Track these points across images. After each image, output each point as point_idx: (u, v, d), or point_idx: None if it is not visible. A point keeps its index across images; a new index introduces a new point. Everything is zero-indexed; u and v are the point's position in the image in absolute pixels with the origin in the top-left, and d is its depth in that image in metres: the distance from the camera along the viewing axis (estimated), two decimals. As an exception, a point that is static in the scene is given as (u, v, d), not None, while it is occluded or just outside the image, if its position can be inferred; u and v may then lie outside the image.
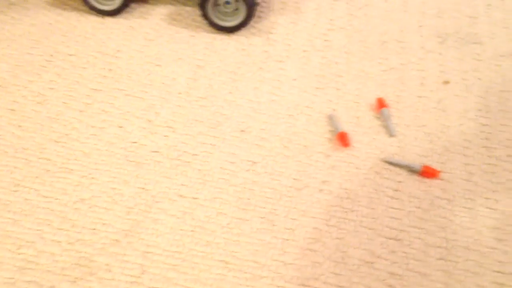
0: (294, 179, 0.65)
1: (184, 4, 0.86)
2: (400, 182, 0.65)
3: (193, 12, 0.85)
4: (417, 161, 0.67)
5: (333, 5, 0.89)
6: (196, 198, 0.63)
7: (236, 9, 0.81)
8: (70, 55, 0.78)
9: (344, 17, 0.87)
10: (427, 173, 0.65)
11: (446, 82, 0.76)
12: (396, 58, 0.80)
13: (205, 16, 0.81)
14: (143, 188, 0.64)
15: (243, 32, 0.83)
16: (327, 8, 0.88)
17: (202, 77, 0.77)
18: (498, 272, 0.58)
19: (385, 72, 0.78)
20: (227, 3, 0.80)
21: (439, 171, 0.65)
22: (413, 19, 0.87)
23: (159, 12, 0.85)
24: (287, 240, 0.60)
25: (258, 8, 0.87)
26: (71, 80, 0.74)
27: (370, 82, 0.77)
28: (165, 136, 0.69)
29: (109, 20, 0.83)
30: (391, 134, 0.70)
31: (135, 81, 0.75)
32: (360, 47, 0.82)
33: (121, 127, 0.70)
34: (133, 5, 0.85)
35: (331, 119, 0.72)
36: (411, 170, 0.66)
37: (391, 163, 0.67)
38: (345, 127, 0.71)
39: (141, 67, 0.77)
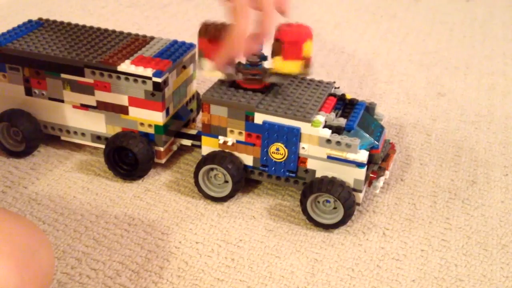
0: None
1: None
2: None
3: (311, 204, 0.90)
4: None
5: (449, 204, 0.91)
6: None
7: (335, 208, 0.84)
8: (197, 242, 0.83)
9: (460, 216, 0.88)
10: None
11: None
12: (519, 264, 0.79)
13: (304, 211, 0.85)
14: None
15: (359, 226, 0.86)
16: (442, 206, 0.90)
17: (319, 272, 0.79)
18: None
19: (507, 279, 0.77)
20: (327, 201, 0.84)
21: None
22: (533, 223, 0.86)
23: (279, 203, 0.91)
24: None
25: (374, 203, 0.90)
26: (197, 269, 0.79)
27: (493, 288, 0.76)
28: (284, 334, 0.70)
29: (233, 208, 0.89)
30: None
31: (255, 272, 0.79)
32: (480, 250, 0.82)
33: (241, 321, 0.72)
34: (253, 193, 0.92)
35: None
36: None
37: None
38: None
39: (261, 258, 0.81)
